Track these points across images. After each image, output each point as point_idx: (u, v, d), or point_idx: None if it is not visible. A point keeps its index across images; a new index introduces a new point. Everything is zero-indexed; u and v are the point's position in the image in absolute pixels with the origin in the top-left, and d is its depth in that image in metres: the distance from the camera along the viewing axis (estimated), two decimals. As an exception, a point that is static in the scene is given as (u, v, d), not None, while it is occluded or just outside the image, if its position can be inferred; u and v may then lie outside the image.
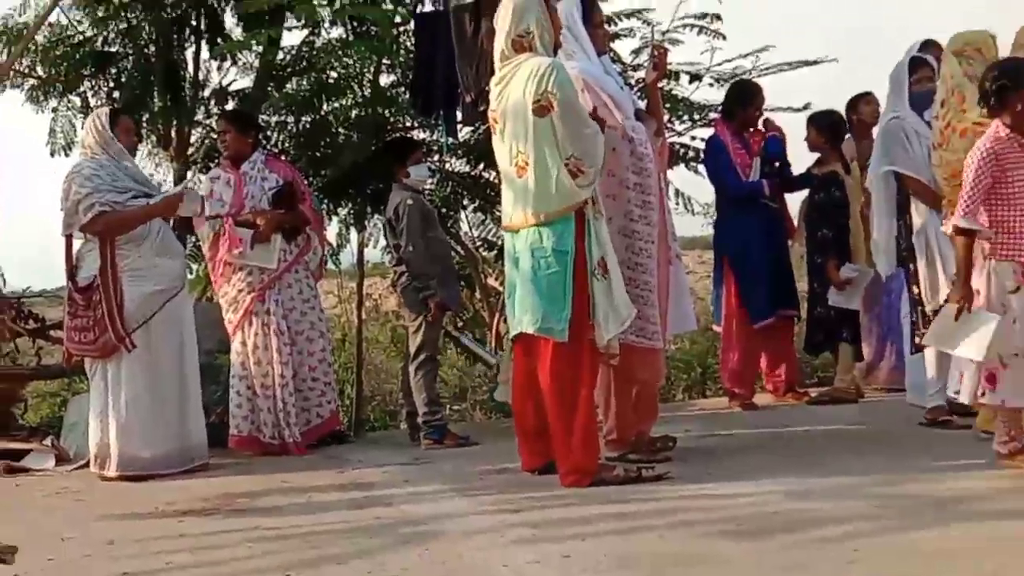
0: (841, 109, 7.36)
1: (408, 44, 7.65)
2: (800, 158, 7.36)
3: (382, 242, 8.38)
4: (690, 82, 8.11)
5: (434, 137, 7.60)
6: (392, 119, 7.99)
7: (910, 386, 6.26)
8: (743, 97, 7.26)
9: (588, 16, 5.44)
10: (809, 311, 7.43)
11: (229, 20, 8.13)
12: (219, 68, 8.29)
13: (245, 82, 8.20)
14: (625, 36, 8.02)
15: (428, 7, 7.87)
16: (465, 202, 8.55)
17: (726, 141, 7.14)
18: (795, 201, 7.68)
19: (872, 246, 6.40)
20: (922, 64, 6.11)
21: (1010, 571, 3.28)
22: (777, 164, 7.25)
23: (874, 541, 3.74)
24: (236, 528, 4.63)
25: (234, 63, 8.22)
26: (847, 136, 7.29)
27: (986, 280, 4.65)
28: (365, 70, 7.86)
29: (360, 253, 8.33)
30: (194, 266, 7.89)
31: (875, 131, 6.45)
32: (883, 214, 6.11)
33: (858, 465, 5.02)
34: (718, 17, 7.87)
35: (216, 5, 8.07)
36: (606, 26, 6.16)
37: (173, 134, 8.18)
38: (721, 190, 7.31)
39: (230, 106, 8.13)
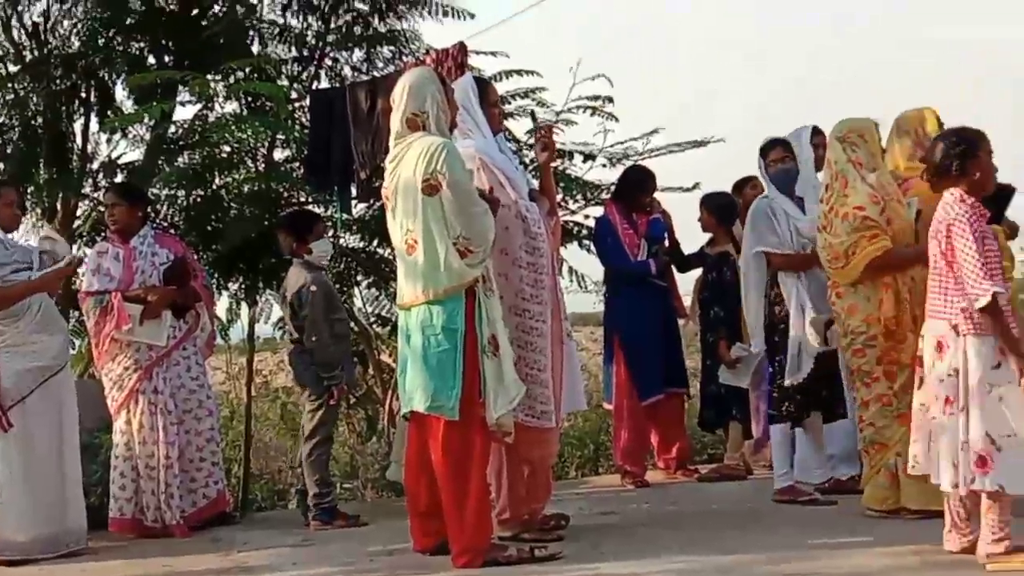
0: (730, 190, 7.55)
1: (303, 120, 7.64)
2: (693, 238, 7.52)
3: (273, 317, 8.26)
4: (583, 161, 8.27)
5: (328, 213, 7.57)
6: (286, 194, 7.94)
7: (797, 464, 6.35)
8: (634, 183, 7.41)
9: (483, 95, 5.50)
10: (702, 388, 7.53)
11: (120, 92, 8.04)
12: (108, 141, 8.18)
13: (135, 155, 8.11)
14: (520, 116, 8.15)
15: (324, 84, 7.90)
16: (359, 278, 8.51)
17: (615, 221, 7.26)
18: (687, 281, 7.84)
19: (748, 326, 6.51)
20: (777, 144, 6.33)
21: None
22: (668, 243, 7.40)
23: (762, 620, 3.76)
24: (114, 615, 4.45)
25: (124, 136, 8.12)
26: (738, 218, 7.47)
27: (964, 359, 4.44)
28: (259, 145, 7.82)
29: (251, 328, 8.20)
30: (77, 342, 7.67)
31: None
32: (753, 293, 6.23)
33: (746, 543, 5.05)
34: (610, 99, 8.07)
35: (107, 78, 7.97)
36: (501, 105, 6.24)
37: (59, 206, 8.00)
38: (610, 269, 7.43)
39: (119, 179, 8.00)
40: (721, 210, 7.29)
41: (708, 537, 5.29)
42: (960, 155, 4.59)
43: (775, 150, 6.34)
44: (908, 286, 5.41)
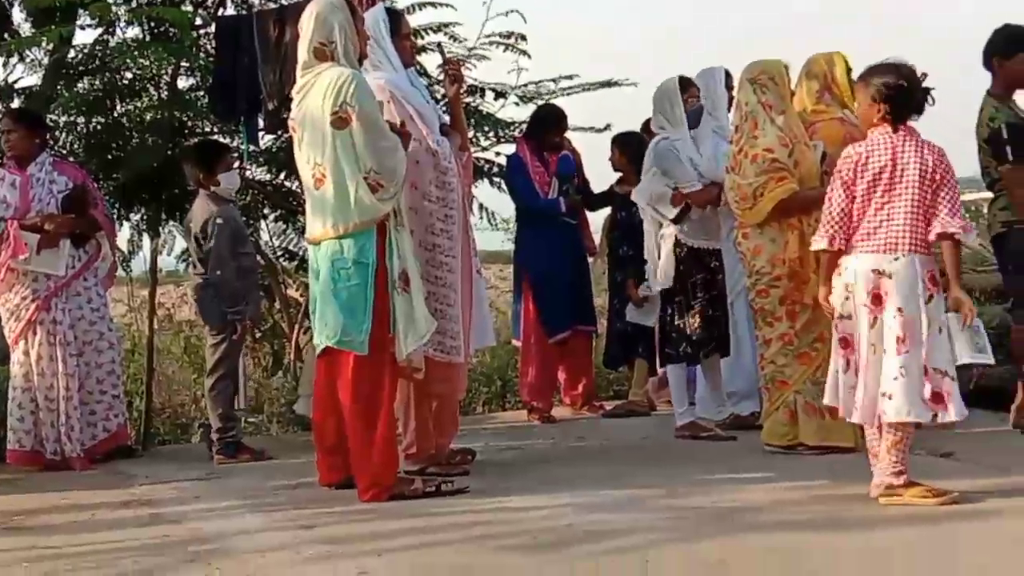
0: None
1: (209, 47, 7.44)
2: (604, 177, 7.55)
3: (177, 249, 8.11)
4: (495, 99, 8.21)
5: (234, 144, 7.41)
6: (190, 123, 7.75)
7: (698, 400, 6.48)
8: (546, 121, 7.41)
9: (395, 27, 5.41)
10: (609, 326, 7.61)
11: (17, 15, 7.73)
12: (5, 64, 7.86)
13: (33, 80, 7.81)
14: (432, 51, 8.05)
15: (230, 10, 7.70)
16: (266, 211, 8.38)
17: (526, 159, 7.26)
18: (598, 219, 7.89)
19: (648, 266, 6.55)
20: (691, 83, 6.36)
21: (788, 579, 3.43)
22: (577, 181, 7.42)
23: (663, 552, 3.84)
24: (12, 548, 4.37)
25: (21, 60, 7.80)
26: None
27: (912, 297, 4.36)
28: (162, 72, 7.61)
29: (153, 260, 8.03)
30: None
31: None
32: (655, 234, 6.28)
33: (649, 477, 5.14)
34: (523, 37, 8.01)
35: (4, 1, 7.65)
36: (413, 38, 6.15)
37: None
38: (520, 206, 7.43)
39: (16, 104, 7.72)
40: (631, 149, 7.32)
41: (611, 471, 5.38)
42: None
43: (692, 88, 6.37)
44: (813, 228, 5.46)
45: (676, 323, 6.11)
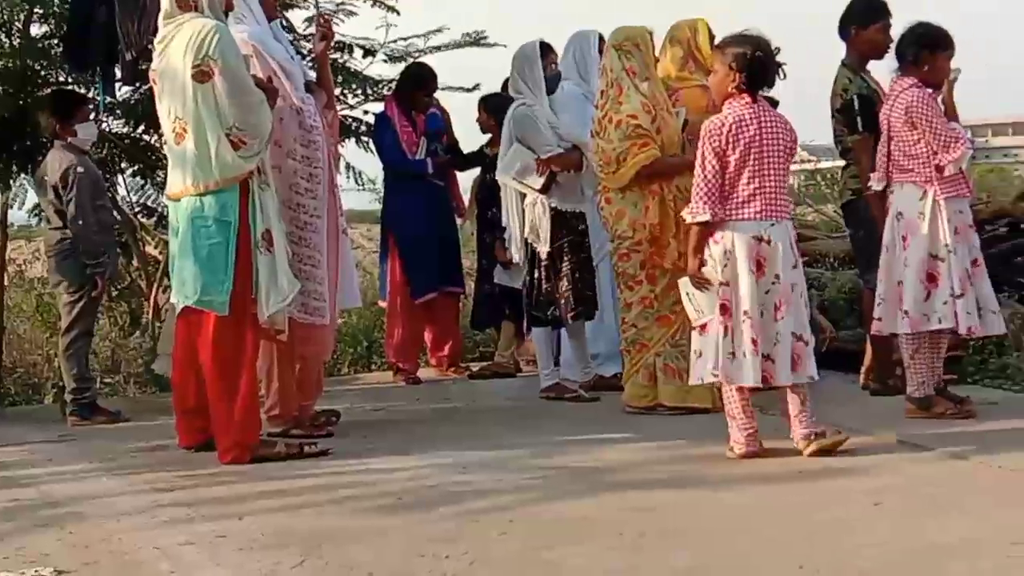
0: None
1: (64, -7, 7.14)
2: (474, 137, 7.52)
3: (28, 203, 7.81)
4: (364, 56, 8.10)
5: (91, 95, 7.14)
6: (44, 73, 7.44)
7: (563, 363, 6.55)
8: (415, 80, 7.34)
9: (260, -21, 5.27)
10: (476, 288, 7.61)
11: None
12: None
13: None
14: (298, 6, 7.89)
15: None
16: (123, 165, 8.12)
17: (394, 118, 7.18)
18: (467, 179, 7.87)
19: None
20: (551, 49, 6.38)
21: (648, 539, 3.50)
22: (446, 141, 7.38)
23: (526, 511, 3.89)
24: None
25: None
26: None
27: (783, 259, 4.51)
28: (14, 18, 7.28)
29: (3, 215, 7.72)
30: None
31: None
32: (515, 201, 6.27)
33: (514, 438, 5.20)
34: (393, -8, 7.90)
35: None
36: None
37: None
38: (387, 166, 7.36)
39: None
40: (500, 111, 7.30)
41: (477, 432, 5.41)
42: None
43: (550, 54, 6.38)
44: (674, 194, 5.58)
45: (544, 286, 6.14)
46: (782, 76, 4.59)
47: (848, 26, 5.94)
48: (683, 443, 4.90)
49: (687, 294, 4.64)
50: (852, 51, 5.95)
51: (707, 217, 4.49)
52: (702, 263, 4.55)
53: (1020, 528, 3.35)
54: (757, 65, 4.48)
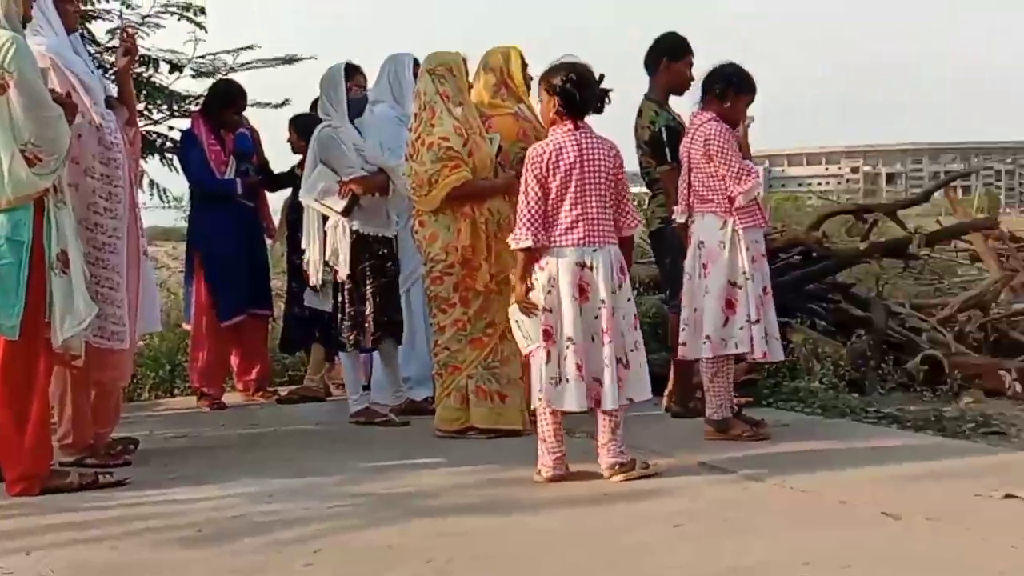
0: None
1: None
2: (284, 157, 7.41)
3: None
4: (171, 72, 7.89)
5: None
6: None
7: (373, 386, 6.51)
8: (223, 97, 7.19)
9: (58, -11, 5.05)
10: (286, 311, 7.49)
11: None
12: None
13: None
14: (101, 17, 7.62)
15: None
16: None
17: (201, 136, 7.02)
18: (278, 200, 7.74)
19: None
20: (357, 71, 6.37)
21: (456, 564, 3.49)
22: (256, 161, 7.25)
23: (333, 540, 3.82)
24: None
25: None
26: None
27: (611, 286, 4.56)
28: None
29: None
30: None
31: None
32: (316, 225, 6.21)
33: (323, 464, 5.11)
34: (202, 10, 7.73)
35: None
36: (78, 3, 5.77)
37: None
38: (194, 185, 7.18)
39: None
40: (309, 131, 7.22)
41: (284, 459, 5.31)
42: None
43: (357, 76, 6.35)
44: (485, 217, 5.64)
45: (348, 310, 6.09)
46: (608, 101, 4.68)
47: (658, 59, 6.13)
48: (493, 467, 4.92)
49: (516, 321, 4.67)
50: (657, 84, 6.14)
51: (529, 243, 4.53)
52: (528, 289, 4.59)
53: (811, 549, 3.49)
54: (571, 90, 4.55)
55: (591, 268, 4.53)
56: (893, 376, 6.53)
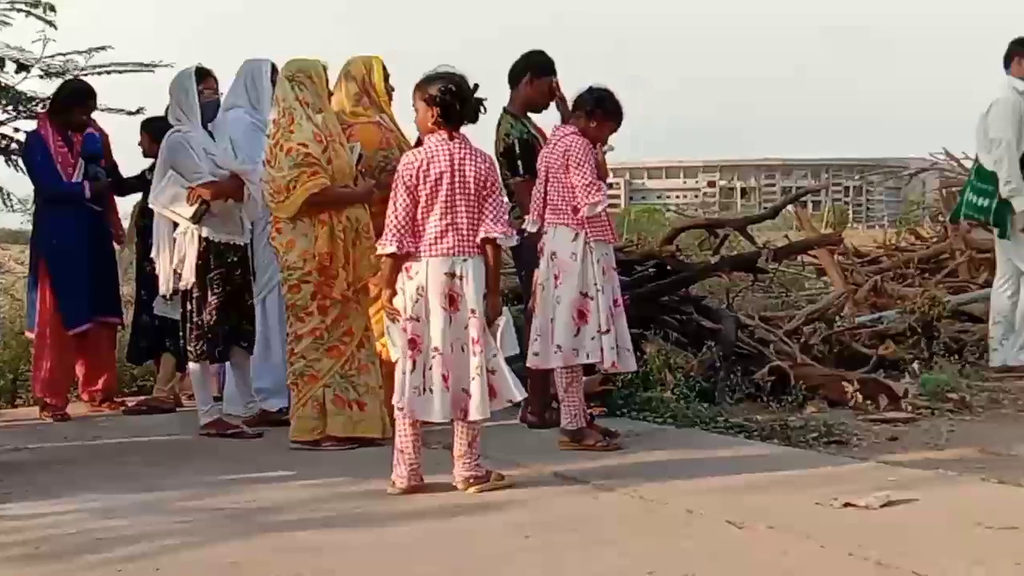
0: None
1: None
2: (135, 162, 7.22)
3: None
4: (17, 71, 7.62)
5: None
6: None
7: (225, 397, 6.38)
8: (73, 96, 6.98)
9: None
10: (135, 319, 7.28)
11: None
12: None
13: None
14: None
15: None
16: None
17: (48, 138, 6.80)
18: (127, 204, 7.53)
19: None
20: (208, 74, 6.27)
21: (302, 579, 3.44)
22: (105, 164, 7.05)
23: (175, 558, 3.72)
24: None
25: None
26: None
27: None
28: None
29: None
30: None
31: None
32: (166, 233, 6.07)
33: (169, 478, 4.99)
34: (52, 8, 7.48)
35: None
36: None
37: None
38: (39, 188, 6.94)
39: None
40: (162, 135, 7.05)
41: (130, 472, 5.17)
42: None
43: (208, 79, 6.23)
44: (343, 225, 5.61)
45: (195, 320, 5.95)
46: (483, 111, 4.70)
47: (523, 74, 6.18)
48: (347, 479, 4.87)
49: (388, 328, 4.64)
50: (518, 99, 6.21)
51: (393, 249, 4.51)
52: (393, 295, 4.56)
53: (656, 556, 3.55)
54: (450, 100, 4.55)
55: (461, 278, 4.53)
56: (742, 386, 6.69)
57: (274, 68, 6.49)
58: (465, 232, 4.55)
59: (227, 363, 6.23)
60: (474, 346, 4.51)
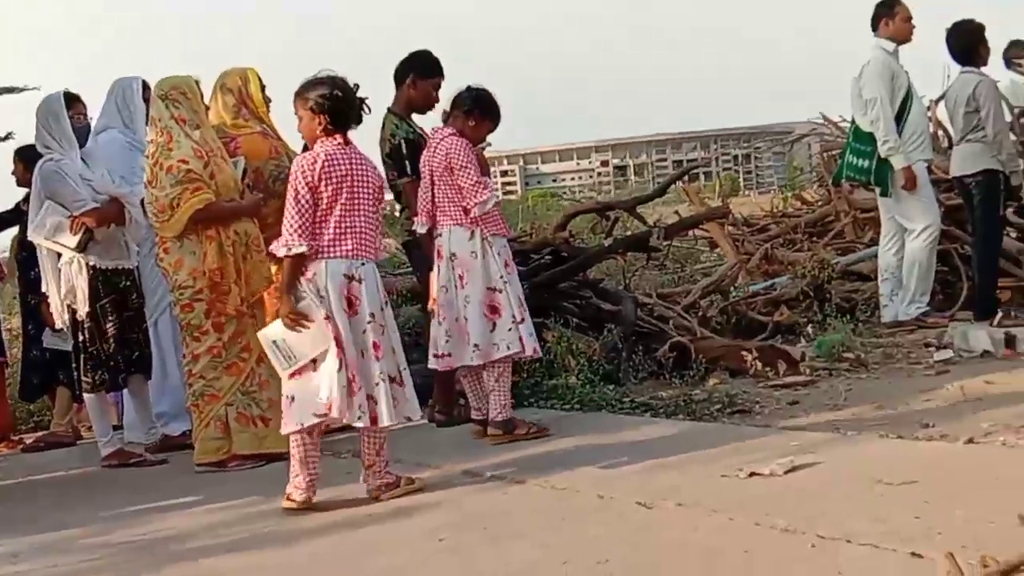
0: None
1: None
2: (9, 192, 7.02)
3: None
4: None
5: None
6: None
7: (126, 426, 6.24)
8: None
9: None
10: (24, 354, 7.09)
11: None
12: None
13: None
14: None
15: None
16: None
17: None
18: (5, 239, 7.32)
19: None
20: (77, 99, 6.12)
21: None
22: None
23: (83, 597, 3.64)
24: None
25: None
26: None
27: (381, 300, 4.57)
28: None
29: None
30: None
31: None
32: (51, 266, 5.93)
33: (75, 515, 4.87)
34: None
35: None
36: None
37: None
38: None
39: None
40: (36, 162, 6.87)
41: (32, 513, 5.04)
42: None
43: (77, 104, 6.07)
44: (232, 239, 5.54)
45: (90, 349, 5.81)
46: (367, 111, 4.65)
47: (407, 74, 6.13)
48: (256, 498, 4.81)
49: (273, 343, 4.51)
50: (402, 99, 6.16)
51: (303, 249, 4.42)
52: (297, 300, 4.46)
53: (569, 546, 3.58)
54: (339, 104, 4.50)
55: (359, 281, 4.48)
56: (645, 365, 6.75)
57: (145, 85, 6.37)
58: (363, 236, 4.52)
59: (124, 390, 6.09)
60: (375, 351, 4.46)
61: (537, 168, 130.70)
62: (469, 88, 5.57)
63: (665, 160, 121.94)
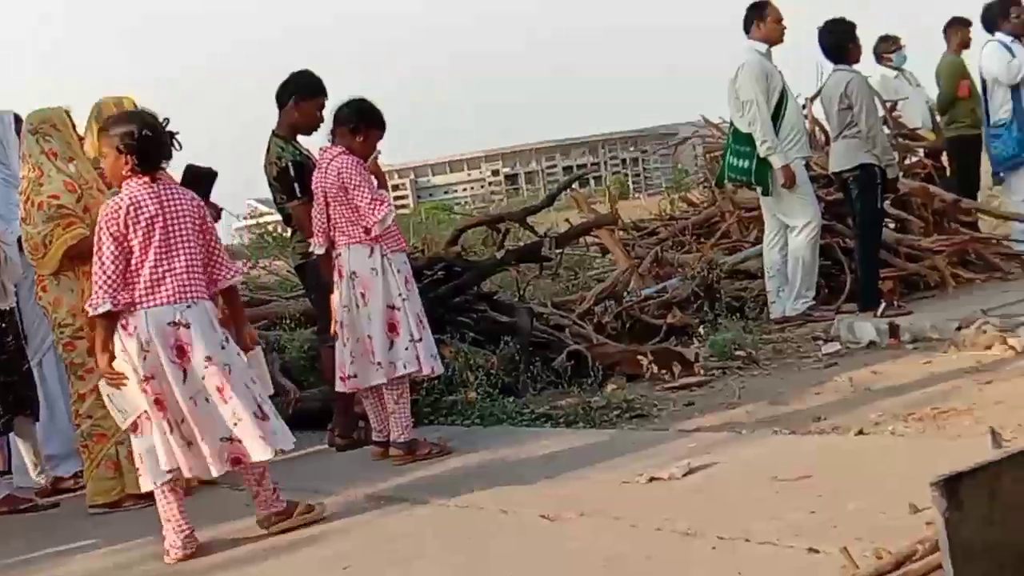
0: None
1: None
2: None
3: None
4: None
5: None
6: None
7: (15, 470, 6.03)
8: None
9: None
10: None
11: None
12: None
13: None
14: None
15: None
16: None
17: None
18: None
19: None
20: None
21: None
22: None
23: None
24: None
25: None
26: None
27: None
28: None
29: None
30: None
31: None
32: None
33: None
34: None
35: None
36: None
37: None
38: None
39: None
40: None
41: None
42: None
43: None
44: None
45: None
46: (178, 147, 4.48)
47: (289, 96, 6.04)
48: (151, 538, 4.64)
49: (107, 396, 4.34)
50: (285, 121, 6.06)
51: (108, 307, 4.18)
52: (112, 359, 4.27)
53: (473, 564, 3.58)
54: (145, 144, 4.27)
55: (186, 326, 4.23)
56: (543, 375, 6.79)
57: (17, 118, 6.19)
58: (184, 277, 4.26)
59: (10, 434, 5.89)
60: (219, 395, 4.24)
61: (428, 180, 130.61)
62: (349, 103, 5.52)
63: (555, 166, 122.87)
